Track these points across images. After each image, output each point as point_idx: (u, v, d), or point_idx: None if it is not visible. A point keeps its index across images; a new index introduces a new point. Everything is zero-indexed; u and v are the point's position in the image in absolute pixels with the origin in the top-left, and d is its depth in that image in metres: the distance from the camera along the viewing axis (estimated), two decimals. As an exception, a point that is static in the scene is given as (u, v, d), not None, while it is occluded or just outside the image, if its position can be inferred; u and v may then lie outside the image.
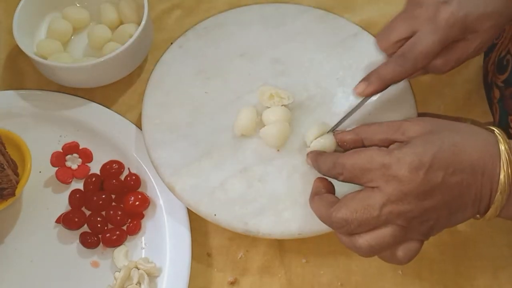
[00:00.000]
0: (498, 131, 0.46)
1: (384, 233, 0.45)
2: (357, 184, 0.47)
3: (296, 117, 0.61)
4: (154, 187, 0.60)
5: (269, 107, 0.60)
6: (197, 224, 0.58)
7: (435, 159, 0.43)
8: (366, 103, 0.56)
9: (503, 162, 0.44)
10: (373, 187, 0.45)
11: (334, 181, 0.51)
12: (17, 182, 0.57)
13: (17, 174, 0.58)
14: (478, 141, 0.45)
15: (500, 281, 0.56)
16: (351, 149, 0.49)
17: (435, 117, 0.49)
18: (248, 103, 0.61)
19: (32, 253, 0.57)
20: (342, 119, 0.57)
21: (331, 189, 0.51)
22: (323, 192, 0.50)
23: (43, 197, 0.60)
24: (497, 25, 0.52)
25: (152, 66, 0.65)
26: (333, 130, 0.56)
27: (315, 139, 0.56)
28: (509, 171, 0.44)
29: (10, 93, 0.66)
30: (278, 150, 0.59)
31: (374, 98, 0.62)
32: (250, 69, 0.64)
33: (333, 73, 0.64)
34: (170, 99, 0.62)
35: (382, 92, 0.61)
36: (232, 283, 0.56)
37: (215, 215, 0.55)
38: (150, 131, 0.60)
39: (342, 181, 0.48)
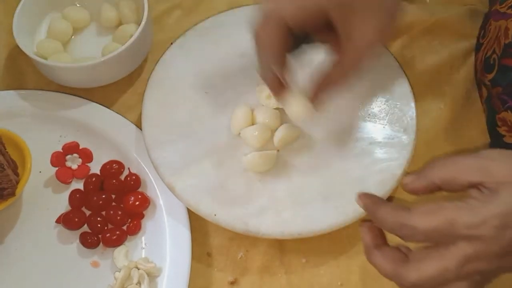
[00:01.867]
0: None
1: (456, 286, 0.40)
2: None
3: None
4: (154, 187, 0.60)
5: (263, 106, 0.60)
6: (197, 224, 0.58)
7: None
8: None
9: None
10: (448, 244, 0.39)
11: None
12: (17, 182, 0.57)
13: (17, 174, 0.58)
14: None
15: (500, 281, 0.56)
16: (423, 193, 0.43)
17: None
18: (248, 103, 0.61)
19: (32, 253, 0.57)
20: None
21: (385, 238, 0.44)
22: (380, 243, 0.43)
23: (43, 197, 0.60)
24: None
25: (152, 66, 0.65)
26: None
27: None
28: None
29: (10, 93, 0.66)
30: (278, 150, 0.59)
31: (373, 98, 0.62)
32: (250, 69, 0.64)
33: (333, 73, 0.64)
34: (170, 99, 0.62)
35: (381, 92, 0.62)
36: (232, 283, 0.56)
37: (215, 215, 0.55)
38: (150, 131, 0.60)
39: (409, 241, 0.41)
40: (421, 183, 0.42)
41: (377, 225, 0.43)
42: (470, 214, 0.38)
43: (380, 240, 0.44)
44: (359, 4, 0.47)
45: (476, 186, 0.39)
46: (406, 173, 0.43)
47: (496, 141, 0.60)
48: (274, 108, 0.60)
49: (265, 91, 0.60)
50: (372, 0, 0.48)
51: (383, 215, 0.42)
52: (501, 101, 0.57)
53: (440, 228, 0.39)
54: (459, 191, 0.40)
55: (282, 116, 0.60)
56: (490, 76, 0.59)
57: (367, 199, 0.44)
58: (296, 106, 0.52)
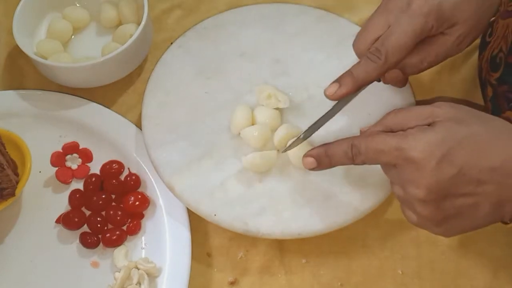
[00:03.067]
0: None
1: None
2: (375, 164, 0.47)
3: (296, 117, 0.61)
4: (154, 187, 0.60)
5: (263, 106, 0.60)
6: (197, 224, 0.58)
7: (450, 153, 0.42)
8: (344, 107, 0.54)
9: None
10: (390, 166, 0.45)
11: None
12: (17, 182, 0.57)
13: (17, 174, 0.58)
14: (507, 140, 0.43)
15: (500, 281, 0.56)
16: None
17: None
18: (248, 103, 0.61)
19: (32, 253, 0.57)
20: (314, 125, 0.54)
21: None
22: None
23: (43, 197, 0.60)
24: (476, 15, 0.49)
25: (152, 66, 0.65)
26: (305, 138, 0.54)
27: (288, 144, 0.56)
28: None
29: (10, 93, 0.66)
30: (278, 150, 0.59)
31: (373, 98, 0.62)
32: (250, 69, 0.64)
33: (333, 73, 0.63)
34: (170, 99, 0.62)
35: (381, 93, 0.62)
36: (232, 283, 0.56)
37: (215, 215, 0.55)
38: (150, 131, 0.60)
39: (360, 163, 0.47)
40: (377, 127, 0.47)
41: (333, 161, 0.49)
42: (399, 139, 0.43)
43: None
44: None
45: None
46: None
47: None
48: (274, 108, 0.60)
49: (265, 91, 0.60)
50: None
51: (335, 146, 0.48)
52: (506, 100, 0.57)
53: (374, 147, 0.45)
54: None
55: (282, 116, 0.60)
56: (496, 74, 0.59)
57: (316, 149, 0.50)
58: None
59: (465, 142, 0.42)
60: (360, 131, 0.50)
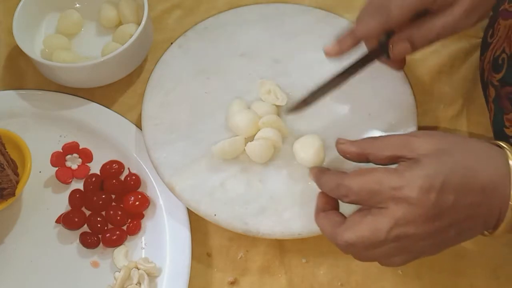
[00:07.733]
0: (508, 148, 0.45)
1: (386, 250, 0.44)
2: (363, 206, 0.45)
3: (295, 117, 0.61)
4: (154, 187, 0.60)
5: (261, 101, 0.60)
6: (197, 224, 0.58)
7: (446, 182, 0.42)
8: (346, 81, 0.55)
9: None
10: (380, 208, 0.43)
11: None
12: (17, 182, 0.57)
13: (17, 174, 0.58)
14: (489, 160, 0.44)
15: (500, 281, 0.56)
16: (352, 160, 0.48)
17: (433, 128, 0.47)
18: (248, 103, 0.61)
19: (32, 253, 0.57)
20: (317, 91, 0.55)
21: (335, 206, 0.49)
22: (328, 208, 0.49)
23: (43, 197, 0.60)
24: None
25: (152, 66, 0.65)
26: (306, 102, 0.55)
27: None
28: None
29: (10, 93, 0.66)
30: (246, 138, 0.59)
31: (373, 98, 0.62)
32: (250, 69, 0.64)
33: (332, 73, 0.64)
34: (170, 99, 0.62)
35: (381, 93, 0.62)
36: (232, 283, 0.56)
37: (215, 215, 0.55)
38: (150, 131, 0.60)
39: (347, 203, 0.46)
40: (352, 147, 0.48)
41: (322, 190, 0.49)
42: (395, 177, 0.43)
43: (329, 206, 0.49)
44: None
45: (397, 159, 0.45)
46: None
47: None
48: (273, 104, 0.60)
49: (267, 85, 0.60)
50: None
51: (325, 178, 0.48)
52: (510, 101, 0.57)
53: (369, 188, 0.44)
54: (383, 163, 0.46)
55: (280, 115, 0.60)
56: (499, 76, 0.59)
57: (315, 169, 0.51)
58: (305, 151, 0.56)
59: (455, 169, 0.43)
60: (339, 145, 0.49)
